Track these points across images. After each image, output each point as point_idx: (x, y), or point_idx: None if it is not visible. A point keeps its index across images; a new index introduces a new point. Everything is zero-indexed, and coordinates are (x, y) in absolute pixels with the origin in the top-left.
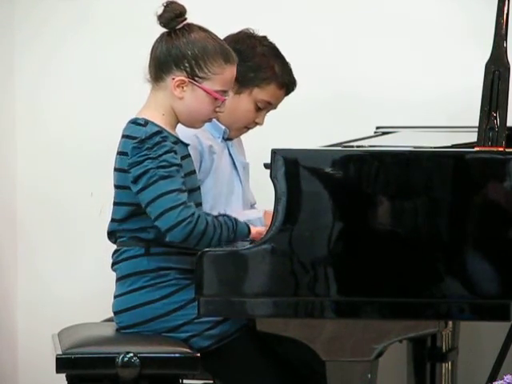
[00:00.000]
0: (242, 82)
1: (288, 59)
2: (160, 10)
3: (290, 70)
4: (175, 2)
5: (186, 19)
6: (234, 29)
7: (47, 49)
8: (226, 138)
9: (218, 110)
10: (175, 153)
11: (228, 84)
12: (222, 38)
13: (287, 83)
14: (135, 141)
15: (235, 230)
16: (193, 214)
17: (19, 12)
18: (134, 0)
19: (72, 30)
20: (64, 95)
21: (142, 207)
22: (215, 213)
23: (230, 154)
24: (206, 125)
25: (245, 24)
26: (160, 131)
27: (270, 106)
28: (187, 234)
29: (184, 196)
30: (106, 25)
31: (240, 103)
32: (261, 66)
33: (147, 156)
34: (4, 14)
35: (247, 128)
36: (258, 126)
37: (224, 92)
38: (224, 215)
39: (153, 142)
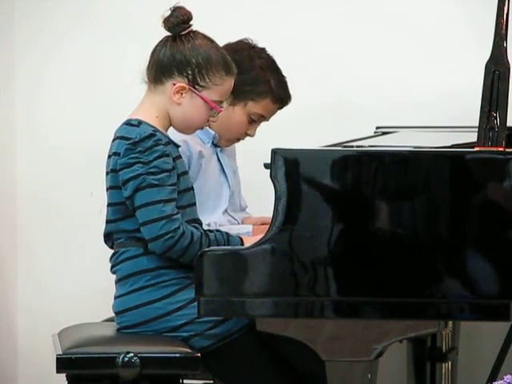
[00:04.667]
0: (237, 94)
1: (288, 60)
2: (166, 14)
3: (286, 84)
4: (183, 8)
5: (191, 26)
6: (233, 32)
7: (47, 48)
8: (215, 144)
9: (211, 119)
10: (168, 156)
11: (225, 95)
12: (220, 45)
13: (282, 98)
14: (128, 142)
15: (225, 245)
16: (176, 228)
17: (19, 11)
18: (134, 1)
19: (72, 30)
20: (64, 95)
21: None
22: (202, 218)
23: (219, 159)
24: None
25: (243, 28)
26: (153, 134)
27: (263, 118)
28: (167, 247)
29: (170, 207)
30: (106, 24)
31: (233, 115)
32: (257, 80)
33: (138, 160)
34: (4, 13)
35: (238, 139)
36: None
37: (220, 102)
38: (217, 230)
39: (145, 145)
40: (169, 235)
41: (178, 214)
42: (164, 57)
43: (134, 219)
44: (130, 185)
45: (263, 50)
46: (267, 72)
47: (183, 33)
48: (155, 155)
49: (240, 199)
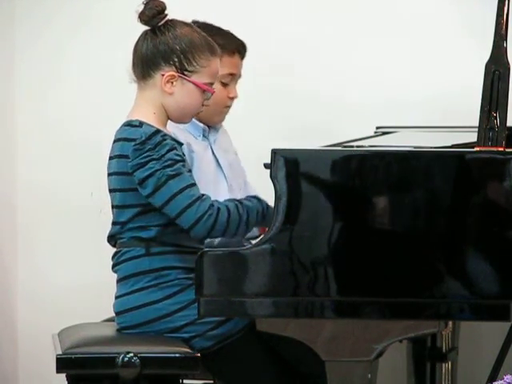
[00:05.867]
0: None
1: (288, 60)
2: (140, 8)
3: (231, 35)
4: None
5: (167, 15)
6: (234, 32)
7: (48, 49)
8: (210, 134)
9: (205, 103)
10: (176, 149)
11: (214, 76)
12: None
13: (236, 48)
14: (135, 142)
15: (264, 212)
16: (211, 205)
17: (20, 12)
18: (135, 1)
19: (73, 31)
20: (64, 95)
21: (149, 207)
22: None
23: (214, 153)
24: (185, 125)
25: (244, 28)
26: (158, 130)
27: (233, 76)
28: (210, 227)
29: (196, 190)
30: (106, 25)
31: None
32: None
33: (150, 157)
34: (4, 14)
35: (227, 107)
36: (259, 124)
37: (211, 84)
38: (253, 197)
39: (154, 142)
40: (207, 214)
41: (204, 194)
42: (147, 50)
43: (139, 218)
44: (150, 183)
45: (194, 21)
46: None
47: (161, 23)
48: (166, 148)
49: (248, 188)
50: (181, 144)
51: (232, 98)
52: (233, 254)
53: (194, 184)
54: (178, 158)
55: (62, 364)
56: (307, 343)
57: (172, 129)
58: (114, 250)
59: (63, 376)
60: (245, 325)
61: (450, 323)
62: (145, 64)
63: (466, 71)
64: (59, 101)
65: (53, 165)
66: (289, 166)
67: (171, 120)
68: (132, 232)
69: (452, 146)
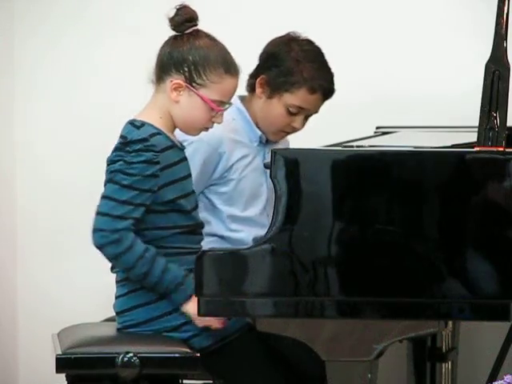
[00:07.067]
0: (273, 87)
1: None
2: (172, 13)
3: (327, 75)
4: (188, 7)
5: (196, 25)
6: (234, 31)
7: (46, 46)
8: (267, 141)
9: (214, 120)
10: (156, 163)
11: (227, 95)
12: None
13: (319, 88)
14: (123, 140)
15: (177, 284)
16: (114, 230)
17: (18, 8)
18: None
19: (71, 27)
20: (63, 93)
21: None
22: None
23: (264, 163)
24: (244, 127)
25: (244, 29)
26: (146, 139)
27: (304, 110)
28: (99, 245)
29: (123, 210)
30: (104, 21)
31: (271, 108)
32: (291, 71)
33: (122, 158)
34: (3, 10)
35: (285, 132)
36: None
37: (221, 103)
38: (186, 270)
39: (135, 147)
40: (104, 233)
41: (129, 219)
42: (164, 55)
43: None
44: (108, 176)
45: (307, 41)
46: (302, 63)
47: (187, 31)
48: (140, 159)
49: None
50: (182, 148)
51: (294, 128)
52: (233, 254)
53: (129, 203)
54: (146, 172)
55: (62, 364)
56: (307, 343)
57: (227, 124)
58: None
59: (63, 376)
60: (243, 324)
61: (450, 323)
62: (160, 68)
63: (467, 71)
64: (57, 98)
65: (52, 166)
66: (289, 166)
67: (178, 129)
68: None
69: (452, 146)
